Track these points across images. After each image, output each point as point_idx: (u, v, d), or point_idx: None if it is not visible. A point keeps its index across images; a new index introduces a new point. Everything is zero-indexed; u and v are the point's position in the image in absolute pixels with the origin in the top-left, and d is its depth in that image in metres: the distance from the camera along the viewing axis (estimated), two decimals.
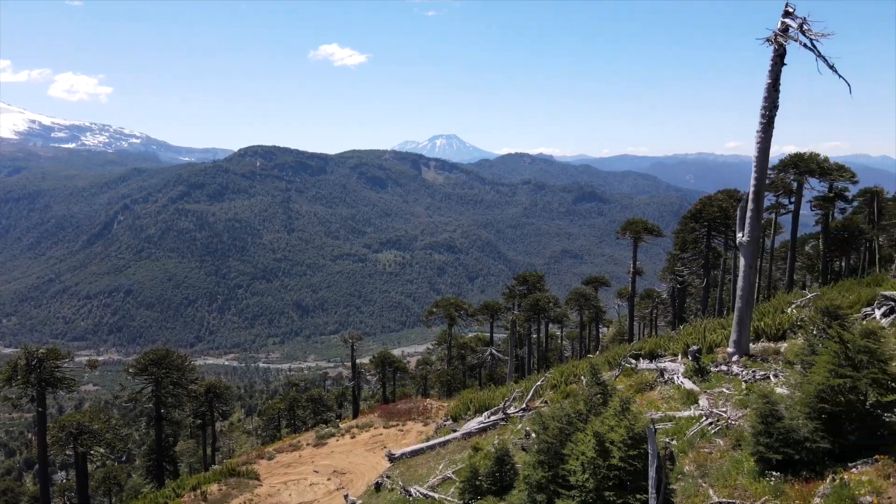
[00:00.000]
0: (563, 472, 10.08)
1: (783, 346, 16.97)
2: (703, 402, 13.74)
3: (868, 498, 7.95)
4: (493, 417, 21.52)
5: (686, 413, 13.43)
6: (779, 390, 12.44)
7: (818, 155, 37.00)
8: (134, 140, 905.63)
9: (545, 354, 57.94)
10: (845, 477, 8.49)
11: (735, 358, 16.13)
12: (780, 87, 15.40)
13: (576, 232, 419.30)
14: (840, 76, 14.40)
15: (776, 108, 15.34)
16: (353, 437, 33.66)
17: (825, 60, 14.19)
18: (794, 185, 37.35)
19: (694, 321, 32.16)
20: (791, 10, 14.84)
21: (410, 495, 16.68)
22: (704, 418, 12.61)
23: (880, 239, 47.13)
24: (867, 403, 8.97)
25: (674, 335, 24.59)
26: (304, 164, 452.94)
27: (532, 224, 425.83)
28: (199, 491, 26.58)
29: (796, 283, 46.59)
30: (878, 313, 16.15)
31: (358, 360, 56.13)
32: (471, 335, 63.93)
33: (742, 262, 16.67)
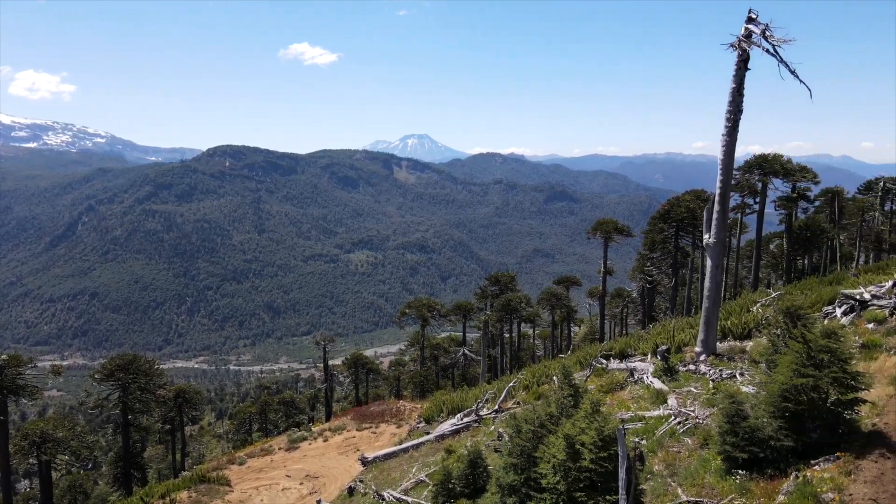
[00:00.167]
0: (535, 475, 10.16)
1: (749, 344, 17.33)
2: (671, 401, 13.96)
3: (830, 495, 8.16)
4: (466, 419, 21.58)
5: (655, 413, 13.63)
6: (745, 389, 12.71)
7: (782, 156, 37.93)
8: (98, 139, 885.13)
9: (518, 354, 58.29)
10: (808, 474, 8.70)
11: (703, 357, 16.44)
12: (745, 91, 15.74)
13: (547, 231, 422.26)
14: (801, 81, 14.75)
15: (741, 112, 15.66)
16: (325, 441, 33.42)
17: (787, 66, 14.53)
18: (759, 185, 38.21)
19: (663, 320, 32.68)
20: (754, 16, 15.15)
21: (384, 500, 16.62)
22: (673, 418, 12.81)
23: (841, 238, 48.50)
24: (828, 402, 9.21)
25: (643, 334, 24.96)
26: (274, 164, 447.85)
27: (504, 223, 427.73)
28: (168, 499, 26.09)
29: (762, 280, 47.65)
30: (838, 312, 16.59)
31: (330, 362, 55.79)
32: (444, 335, 64.04)
33: (709, 262, 16.99)
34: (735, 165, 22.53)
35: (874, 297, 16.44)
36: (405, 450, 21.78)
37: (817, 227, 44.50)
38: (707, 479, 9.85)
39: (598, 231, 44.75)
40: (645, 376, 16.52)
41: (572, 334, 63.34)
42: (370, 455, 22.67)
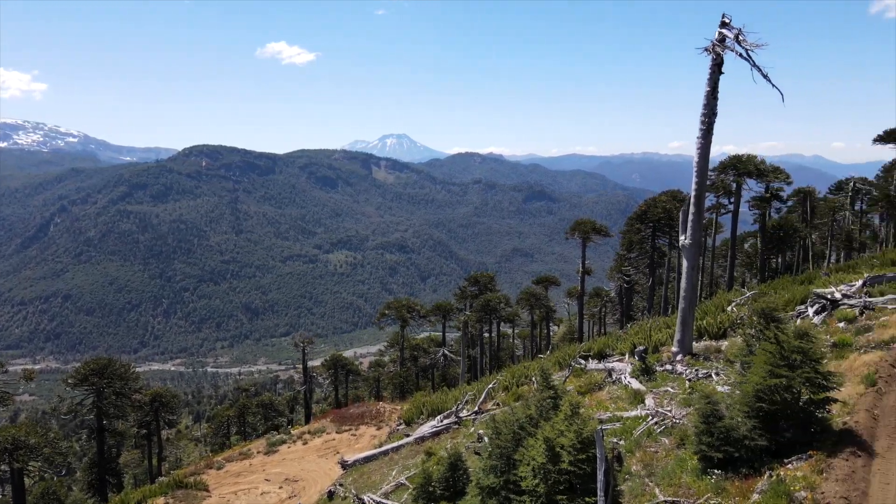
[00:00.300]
0: (515, 478, 10.20)
1: (724, 344, 17.60)
2: (649, 401, 14.12)
3: (803, 493, 8.32)
4: (445, 421, 21.60)
5: (633, 413, 13.77)
6: (720, 389, 12.90)
7: (756, 157, 38.58)
8: (71, 139, 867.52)
9: (497, 354, 58.49)
10: (781, 473, 8.87)
11: (679, 357, 16.64)
12: (720, 92, 15.96)
13: (526, 231, 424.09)
14: (774, 85, 15.02)
15: (715, 115, 15.88)
16: (305, 444, 33.19)
17: (760, 70, 14.77)
18: (734, 185, 38.81)
19: (641, 320, 33.02)
20: (728, 20, 15.37)
21: (364, 503, 16.57)
22: (651, 418, 12.96)
23: (813, 237, 49.46)
24: (801, 401, 9.39)
25: (622, 334, 25.20)
26: (251, 164, 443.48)
27: (483, 223, 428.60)
28: None
29: (736, 279, 48.40)
30: (811, 311, 16.92)
31: (310, 363, 55.42)
32: (423, 336, 63.97)
33: (685, 263, 17.21)
34: (710, 166, 22.86)
35: (845, 296, 16.81)
36: (385, 452, 21.74)
37: (790, 226, 45.36)
38: (684, 478, 9.98)
39: (576, 231, 45.06)
40: (623, 376, 16.69)
41: (551, 334, 63.70)
42: (350, 458, 22.59)
